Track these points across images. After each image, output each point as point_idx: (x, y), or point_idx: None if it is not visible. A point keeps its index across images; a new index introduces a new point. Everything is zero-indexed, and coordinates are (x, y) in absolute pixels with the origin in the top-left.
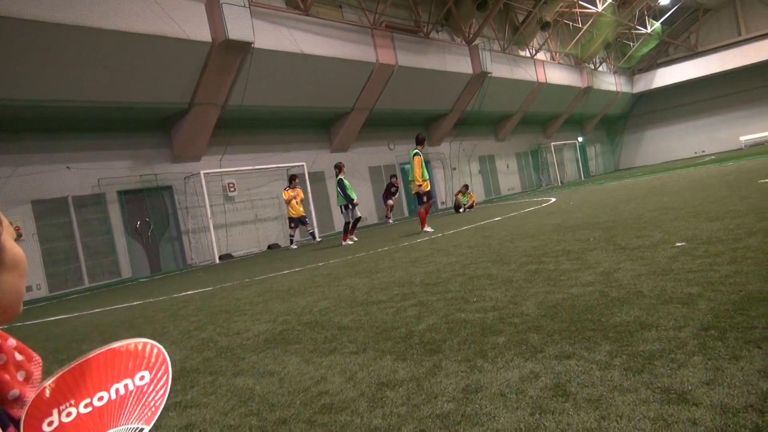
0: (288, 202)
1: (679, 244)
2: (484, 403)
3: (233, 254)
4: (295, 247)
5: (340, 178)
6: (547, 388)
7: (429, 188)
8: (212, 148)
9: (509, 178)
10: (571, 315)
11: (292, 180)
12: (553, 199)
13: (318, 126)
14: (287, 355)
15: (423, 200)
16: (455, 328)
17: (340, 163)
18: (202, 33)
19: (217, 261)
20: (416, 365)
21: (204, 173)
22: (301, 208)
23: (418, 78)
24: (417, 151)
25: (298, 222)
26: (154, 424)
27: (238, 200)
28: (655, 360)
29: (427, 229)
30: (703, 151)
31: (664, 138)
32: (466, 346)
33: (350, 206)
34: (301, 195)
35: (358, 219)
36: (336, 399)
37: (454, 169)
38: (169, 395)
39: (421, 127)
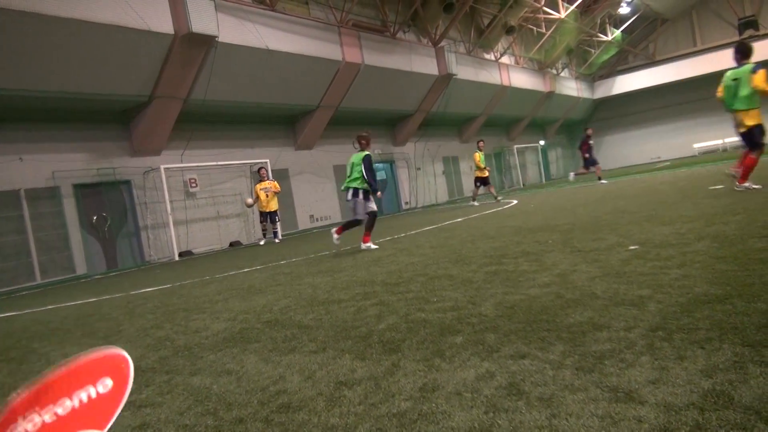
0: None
1: (632, 247)
2: (440, 401)
3: (194, 251)
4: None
5: (368, 154)
6: (501, 387)
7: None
8: (173, 142)
9: (473, 179)
10: (528, 315)
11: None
12: (515, 201)
13: (283, 123)
14: (246, 354)
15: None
16: (415, 327)
17: (367, 133)
18: (165, 25)
19: (177, 258)
20: (375, 364)
21: (164, 168)
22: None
23: (384, 78)
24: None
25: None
26: (109, 428)
27: (200, 196)
28: (605, 360)
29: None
30: (659, 157)
31: (622, 143)
32: (425, 346)
33: (369, 195)
34: (276, 187)
35: (375, 215)
36: (294, 398)
37: (419, 169)
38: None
39: (387, 127)
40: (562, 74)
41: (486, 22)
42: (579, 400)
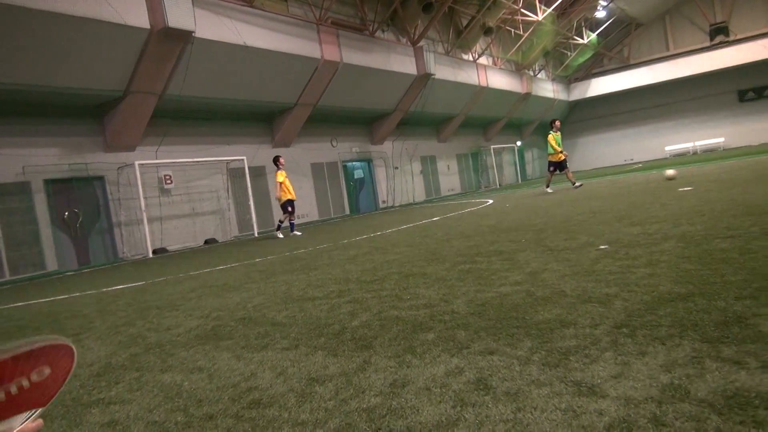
0: (281, 183)
1: (602, 246)
2: (409, 397)
3: (168, 248)
4: (299, 233)
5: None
6: (469, 383)
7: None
8: (148, 138)
9: (450, 179)
10: (498, 313)
11: (277, 160)
12: (491, 201)
13: (260, 120)
14: (218, 351)
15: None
16: (387, 324)
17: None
18: (140, 19)
19: (151, 255)
20: (347, 361)
21: (139, 164)
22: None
23: (363, 76)
24: None
25: (289, 205)
26: (52, 404)
27: (175, 193)
28: (571, 355)
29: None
30: (632, 159)
31: (597, 145)
32: (397, 343)
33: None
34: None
35: None
36: (265, 394)
37: (396, 168)
38: (92, 392)
39: (365, 126)
40: (539, 76)
41: (464, 22)
42: (544, 394)
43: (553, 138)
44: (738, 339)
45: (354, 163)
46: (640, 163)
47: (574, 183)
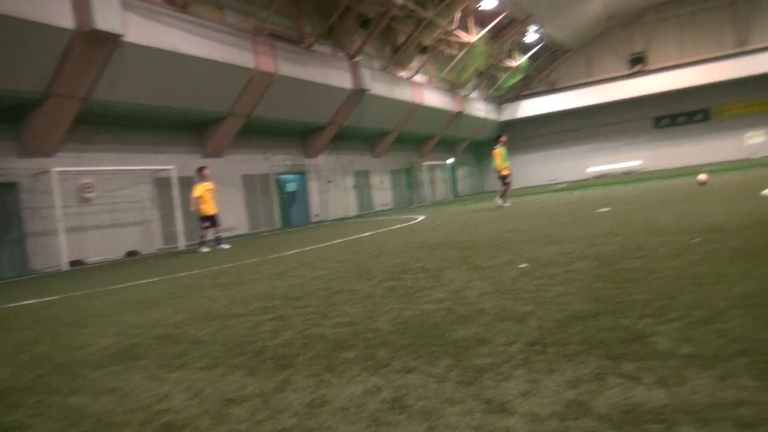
0: (200, 197)
1: (522, 265)
2: (326, 417)
3: (86, 261)
4: (227, 247)
5: None
6: (386, 402)
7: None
8: (69, 144)
9: (383, 194)
10: (420, 331)
11: (201, 172)
12: (422, 217)
13: (191, 129)
14: (132, 371)
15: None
16: (310, 342)
17: None
18: (64, 19)
19: (67, 267)
20: (266, 380)
21: (57, 171)
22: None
23: (299, 89)
24: None
25: (210, 221)
26: None
27: (96, 202)
28: (485, 373)
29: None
30: (557, 179)
31: (525, 165)
32: (318, 361)
33: None
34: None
35: None
36: (178, 416)
37: (330, 182)
38: None
39: (300, 138)
40: (472, 95)
41: (401, 40)
42: (457, 412)
43: (499, 153)
44: (638, 356)
45: (287, 175)
46: (564, 183)
47: (505, 201)
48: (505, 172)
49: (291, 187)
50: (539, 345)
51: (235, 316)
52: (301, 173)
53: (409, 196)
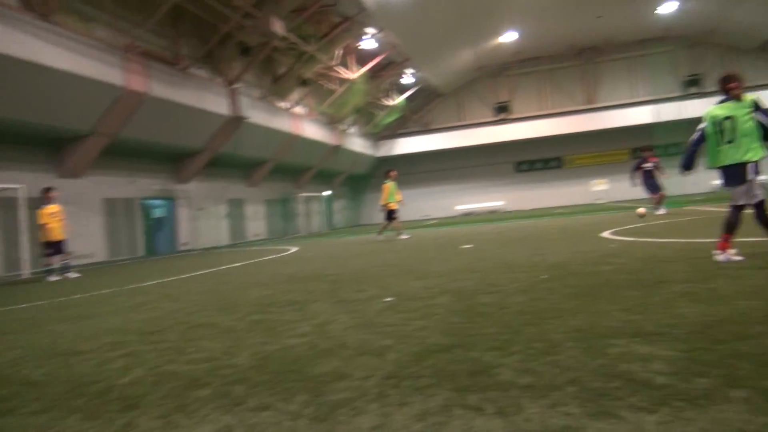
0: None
1: (387, 299)
2: None
3: None
4: (76, 275)
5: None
6: None
7: None
8: None
9: (257, 224)
10: (280, 366)
11: (48, 192)
12: (295, 249)
13: (45, 146)
14: None
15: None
16: (161, 381)
17: None
18: None
19: None
20: (106, 424)
21: None
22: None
23: (172, 111)
24: None
25: (54, 247)
26: None
27: None
28: (340, 408)
29: None
30: (428, 215)
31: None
32: (168, 401)
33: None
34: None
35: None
36: None
37: (201, 209)
38: None
39: (171, 162)
40: (350, 130)
41: (282, 71)
42: None
43: (389, 187)
44: (482, 387)
45: (154, 200)
46: (434, 219)
47: (381, 234)
48: (392, 206)
49: (158, 212)
50: (395, 379)
51: (79, 352)
52: (171, 199)
53: (283, 227)
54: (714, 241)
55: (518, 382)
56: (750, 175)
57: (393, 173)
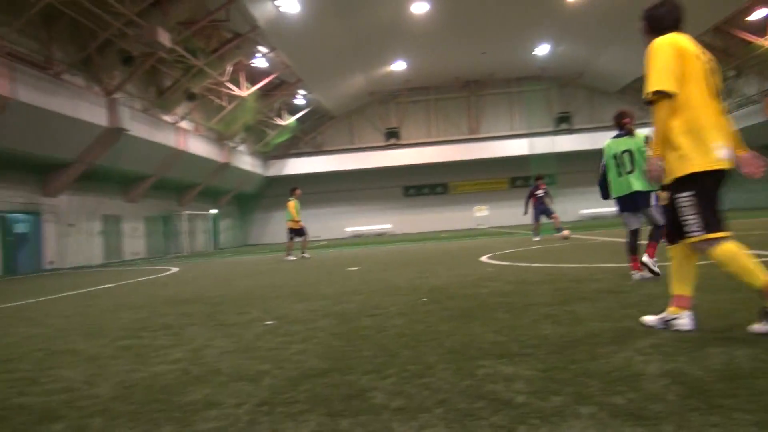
0: None
1: (268, 322)
2: None
3: None
4: None
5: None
6: None
7: None
8: None
9: (135, 242)
10: (146, 395)
11: None
12: (176, 269)
13: None
14: None
15: None
16: (8, 416)
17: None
18: None
19: None
20: None
21: None
22: None
23: (41, 119)
24: None
25: None
26: None
27: None
28: None
29: None
30: (319, 237)
31: None
32: None
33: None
34: None
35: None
36: None
37: (72, 225)
38: None
39: (37, 174)
40: (240, 148)
41: (168, 83)
42: None
43: (294, 205)
44: (355, 411)
45: (16, 215)
46: (324, 240)
47: (303, 253)
48: (298, 225)
49: (20, 228)
50: (268, 405)
51: None
52: (36, 213)
53: (165, 246)
54: (580, 266)
55: (390, 405)
56: (653, 202)
57: (298, 191)
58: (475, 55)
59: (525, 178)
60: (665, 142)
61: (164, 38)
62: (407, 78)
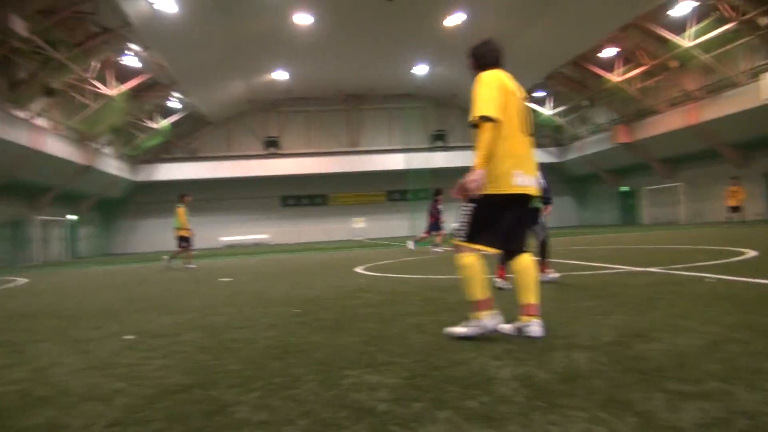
0: None
1: (128, 337)
2: None
3: None
4: None
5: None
6: None
7: None
8: None
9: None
10: None
11: None
12: (26, 280)
13: None
14: None
15: None
16: None
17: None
18: None
19: None
20: None
21: None
22: None
23: None
24: None
25: None
26: None
27: None
28: None
29: None
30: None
31: (159, 229)
32: None
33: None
34: None
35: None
36: None
37: None
38: None
39: None
40: (105, 150)
41: (22, 76)
42: None
43: (183, 212)
44: (216, 427)
45: None
46: (196, 250)
47: (191, 264)
48: (187, 233)
49: None
50: (119, 426)
51: None
52: None
53: (13, 255)
54: (450, 277)
55: (253, 419)
56: (540, 219)
57: (187, 198)
58: (356, 70)
59: (402, 191)
60: (488, 159)
61: (19, 26)
62: (289, 88)
